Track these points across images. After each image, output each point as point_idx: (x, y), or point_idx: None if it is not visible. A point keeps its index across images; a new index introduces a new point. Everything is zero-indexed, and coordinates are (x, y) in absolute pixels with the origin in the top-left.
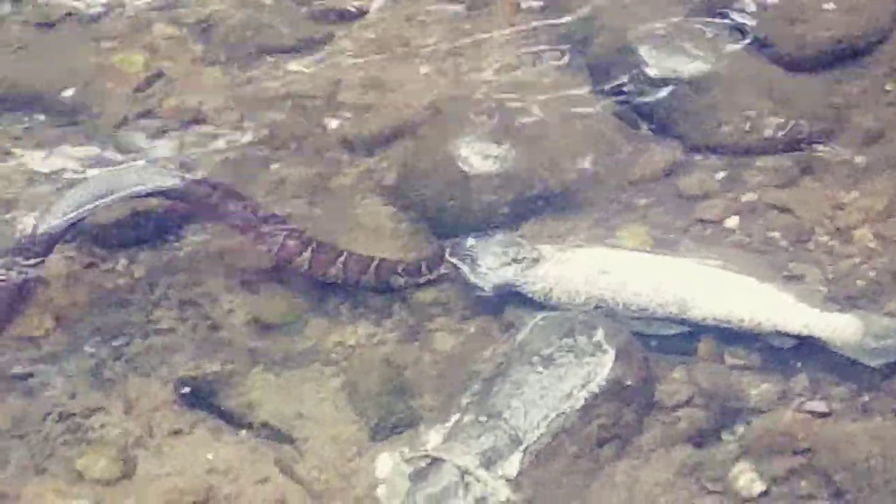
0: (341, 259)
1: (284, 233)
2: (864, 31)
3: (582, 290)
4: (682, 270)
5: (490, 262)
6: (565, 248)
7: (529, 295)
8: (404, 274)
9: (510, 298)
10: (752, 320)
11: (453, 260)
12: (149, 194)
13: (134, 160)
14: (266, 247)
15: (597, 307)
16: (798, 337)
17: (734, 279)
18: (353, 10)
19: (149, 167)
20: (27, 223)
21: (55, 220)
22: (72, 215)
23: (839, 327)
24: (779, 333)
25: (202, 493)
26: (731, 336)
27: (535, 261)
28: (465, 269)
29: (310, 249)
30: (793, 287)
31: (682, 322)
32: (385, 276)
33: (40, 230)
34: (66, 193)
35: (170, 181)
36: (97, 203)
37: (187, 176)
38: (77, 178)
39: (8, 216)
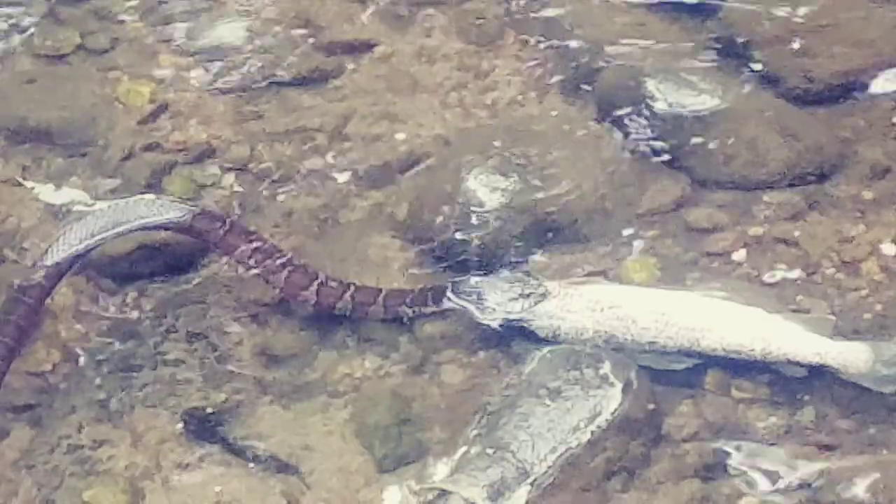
0: (349, 292)
1: (290, 268)
2: (870, 64)
3: (590, 326)
4: (690, 303)
5: (497, 298)
6: (572, 283)
7: (537, 331)
8: (412, 304)
9: (517, 333)
10: (763, 350)
11: (456, 299)
12: (156, 227)
13: (141, 193)
14: (272, 283)
15: (605, 342)
16: (809, 366)
17: (743, 310)
18: (362, 42)
19: (156, 200)
20: (33, 256)
21: (61, 253)
22: (78, 248)
23: (850, 355)
24: (790, 362)
25: None
26: (738, 369)
27: (543, 296)
28: (470, 306)
29: (316, 283)
30: (802, 316)
31: (692, 354)
32: (393, 307)
33: (46, 263)
34: (73, 226)
35: (176, 214)
36: (104, 236)
37: (194, 209)
38: (84, 210)
39: (15, 247)
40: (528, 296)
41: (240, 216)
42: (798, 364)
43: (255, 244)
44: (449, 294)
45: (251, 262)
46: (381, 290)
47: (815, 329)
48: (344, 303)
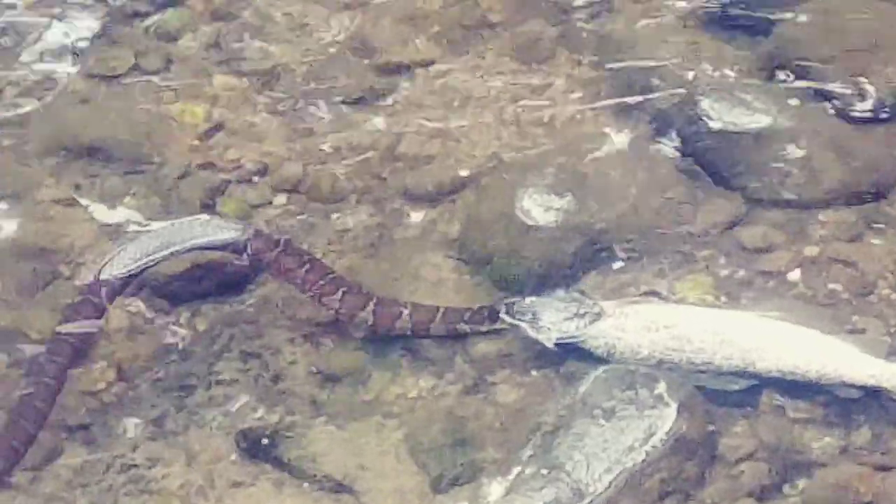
0: (406, 311)
1: (343, 289)
2: None
3: (645, 345)
4: (745, 324)
5: (551, 318)
6: (627, 303)
7: (592, 350)
8: (469, 322)
9: (572, 353)
10: (818, 372)
11: (509, 319)
12: (211, 248)
13: (195, 212)
14: (327, 305)
15: (660, 362)
16: (864, 388)
17: (798, 331)
18: (415, 62)
19: (211, 221)
20: (89, 274)
21: (117, 271)
22: (133, 267)
23: None
24: (844, 384)
25: None
26: (793, 389)
27: (598, 315)
28: (524, 326)
29: (372, 304)
30: (857, 338)
31: (747, 375)
32: (452, 324)
33: (101, 281)
34: (128, 246)
35: (232, 235)
36: (159, 256)
37: (249, 230)
38: (139, 229)
39: (70, 265)
40: (583, 315)
41: (293, 236)
42: (853, 386)
43: (307, 266)
44: (503, 314)
45: (305, 285)
46: (438, 309)
47: (869, 350)
48: (402, 322)
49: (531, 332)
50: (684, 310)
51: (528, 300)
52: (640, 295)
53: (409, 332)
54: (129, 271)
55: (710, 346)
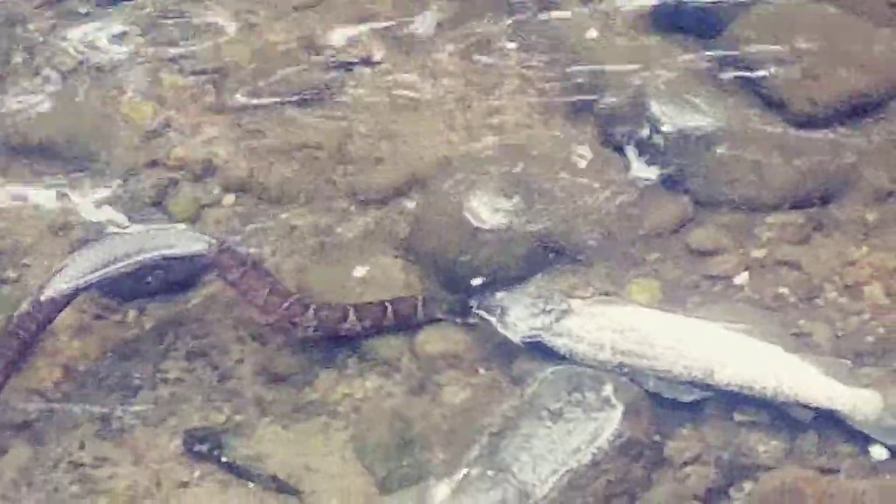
0: (390, 308)
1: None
2: (875, 87)
3: (608, 346)
4: (708, 333)
5: (519, 313)
6: (595, 302)
7: (554, 347)
8: (447, 313)
9: (535, 349)
10: (775, 389)
11: (481, 312)
12: (175, 259)
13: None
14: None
15: (620, 364)
16: (817, 410)
17: (761, 346)
18: (364, 60)
19: (181, 230)
20: (33, 286)
21: (63, 284)
22: (82, 280)
23: (860, 403)
24: (799, 405)
25: None
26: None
27: (564, 313)
28: (493, 320)
29: (352, 312)
30: (817, 359)
31: (704, 387)
32: (430, 314)
33: (44, 296)
34: (78, 256)
35: (196, 247)
36: (111, 268)
37: (214, 243)
38: (85, 233)
39: (17, 265)
40: (550, 312)
41: (241, 238)
42: (807, 407)
43: (270, 287)
44: (476, 308)
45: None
46: (417, 299)
47: (828, 372)
48: (387, 321)
49: (499, 328)
50: (651, 314)
51: (498, 295)
52: (590, 297)
53: (392, 328)
54: (81, 283)
55: (672, 353)
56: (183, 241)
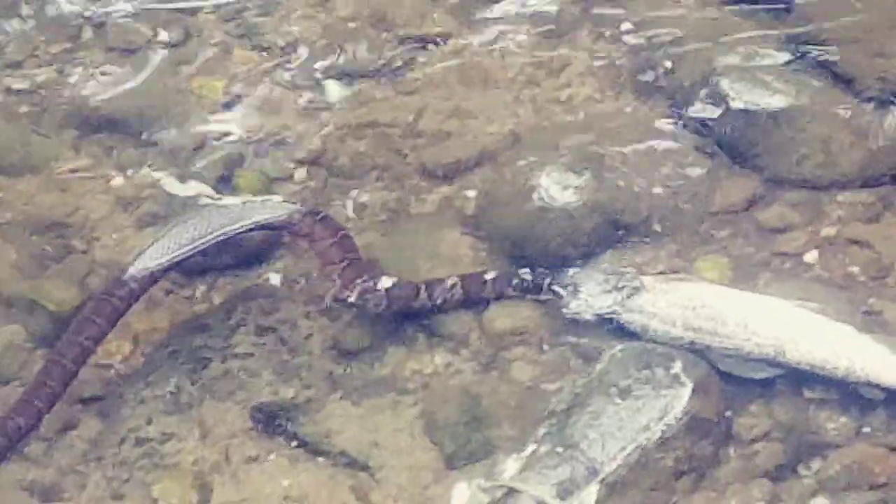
0: (456, 281)
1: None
2: None
3: (679, 323)
4: (780, 311)
5: (591, 290)
6: (667, 279)
7: (626, 324)
8: (517, 288)
9: (588, 329)
10: (847, 368)
11: (554, 289)
12: (253, 229)
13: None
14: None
15: (692, 342)
16: (888, 390)
17: (831, 325)
18: (434, 37)
19: (250, 204)
20: (101, 259)
21: (152, 261)
22: (170, 257)
23: None
24: (870, 384)
25: None
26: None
27: (636, 290)
28: (565, 297)
29: (423, 287)
30: (888, 338)
31: (775, 364)
32: (501, 290)
33: (132, 272)
34: (167, 233)
35: (275, 214)
36: (198, 244)
37: (294, 208)
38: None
39: (85, 237)
40: (622, 289)
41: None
42: (878, 387)
43: (349, 262)
44: (549, 284)
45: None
46: (485, 274)
47: None
48: (457, 297)
49: (571, 304)
50: (723, 291)
51: (571, 271)
52: (658, 274)
53: (462, 304)
54: (169, 260)
55: (744, 331)
56: (279, 210)
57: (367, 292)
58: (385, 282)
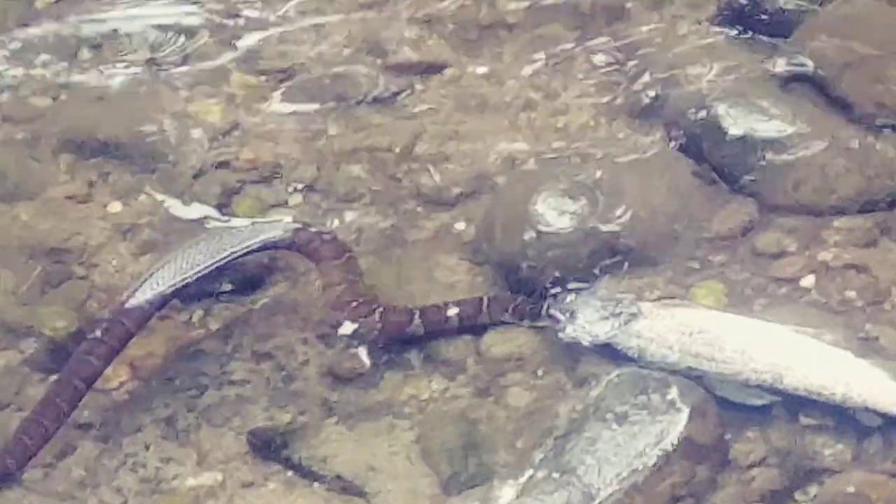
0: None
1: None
2: None
3: (677, 349)
4: (777, 337)
5: (589, 316)
6: (665, 305)
7: (624, 350)
8: (513, 314)
9: (584, 355)
10: (844, 394)
11: (551, 314)
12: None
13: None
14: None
15: (689, 368)
16: (885, 416)
17: (828, 351)
18: (430, 65)
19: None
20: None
21: (153, 291)
22: (172, 283)
23: None
24: (868, 410)
25: None
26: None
27: (633, 316)
28: (564, 322)
29: (417, 313)
30: (886, 364)
31: (773, 391)
32: (498, 313)
33: (132, 303)
34: (179, 255)
35: (279, 234)
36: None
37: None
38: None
39: (84, 265)
40: (619, 315)
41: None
42: (875, 412)
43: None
44: (546, 310)
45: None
46: (482, 300)
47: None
48: (453, 323)
49: (568, 330)
50: (720, 316)
51: (568, 297)
52: (655, 300)
53: (457, 330)
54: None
55: (742, 356)
56: (289, 232)
57: (363, 316)
58: (380, 307)
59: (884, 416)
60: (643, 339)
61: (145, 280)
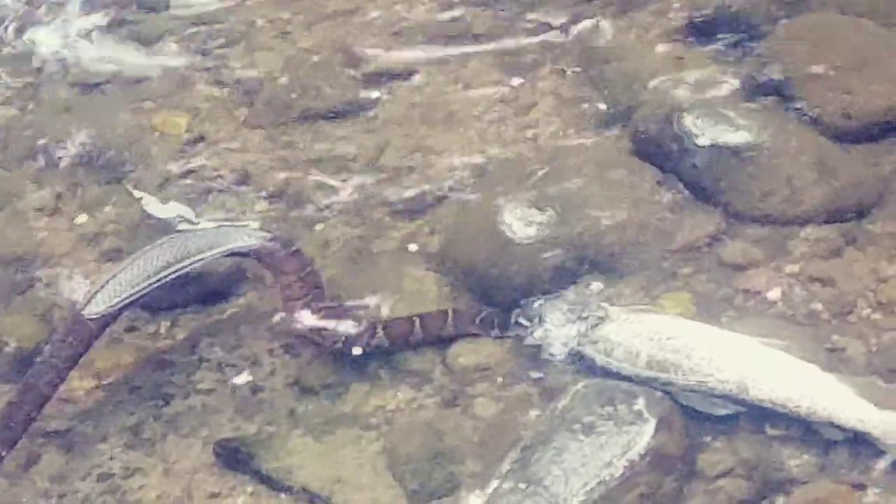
0: (417, 322)
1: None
2: None
3: (643, 354)
4: (745, 348)
5: (556, 319)
6: (633, 310)
7: (590, 354)
8: (479, 325)
9: (551, 366)
10: (809, 408)
11: (522, 321)
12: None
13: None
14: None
15: (656, 375)
16: (850, 431)
17: (798, 364)
18: (398, 73)
19: (219, 229)
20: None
21: (110, 300)
22: (131, 293)
23: (892, 427)
24: (832, 425)
25: None
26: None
27: (601, 320)
28: (532, 328)
29: (380, 326)
30: (853, 380)
31: (738, 402)
32: (463, 326)
33: (88, 312)
34: (142, 257)
35: (247, 241)
36: (162, 276)
37: (263, 235)
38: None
39: (50, 274)
40: (587, 318)
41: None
42: (840, 428)
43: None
44: (516, 320)
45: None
46: (447, 313)
47: (862, 393)
48: (417, 336)
49: (537, 336)
50: (688, 324)
51: (537, 304)
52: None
53: (422, 343)
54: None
55: (709, 365)
56: (255, 237)
57: (325, 329)
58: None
59: (847, 431)
60: (610, 342)
61: (108, 282)
